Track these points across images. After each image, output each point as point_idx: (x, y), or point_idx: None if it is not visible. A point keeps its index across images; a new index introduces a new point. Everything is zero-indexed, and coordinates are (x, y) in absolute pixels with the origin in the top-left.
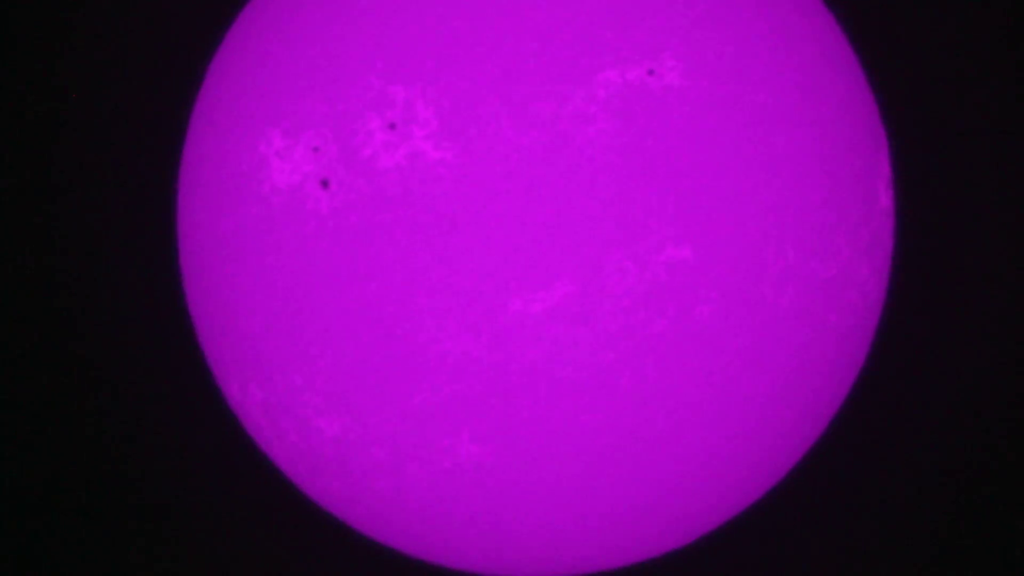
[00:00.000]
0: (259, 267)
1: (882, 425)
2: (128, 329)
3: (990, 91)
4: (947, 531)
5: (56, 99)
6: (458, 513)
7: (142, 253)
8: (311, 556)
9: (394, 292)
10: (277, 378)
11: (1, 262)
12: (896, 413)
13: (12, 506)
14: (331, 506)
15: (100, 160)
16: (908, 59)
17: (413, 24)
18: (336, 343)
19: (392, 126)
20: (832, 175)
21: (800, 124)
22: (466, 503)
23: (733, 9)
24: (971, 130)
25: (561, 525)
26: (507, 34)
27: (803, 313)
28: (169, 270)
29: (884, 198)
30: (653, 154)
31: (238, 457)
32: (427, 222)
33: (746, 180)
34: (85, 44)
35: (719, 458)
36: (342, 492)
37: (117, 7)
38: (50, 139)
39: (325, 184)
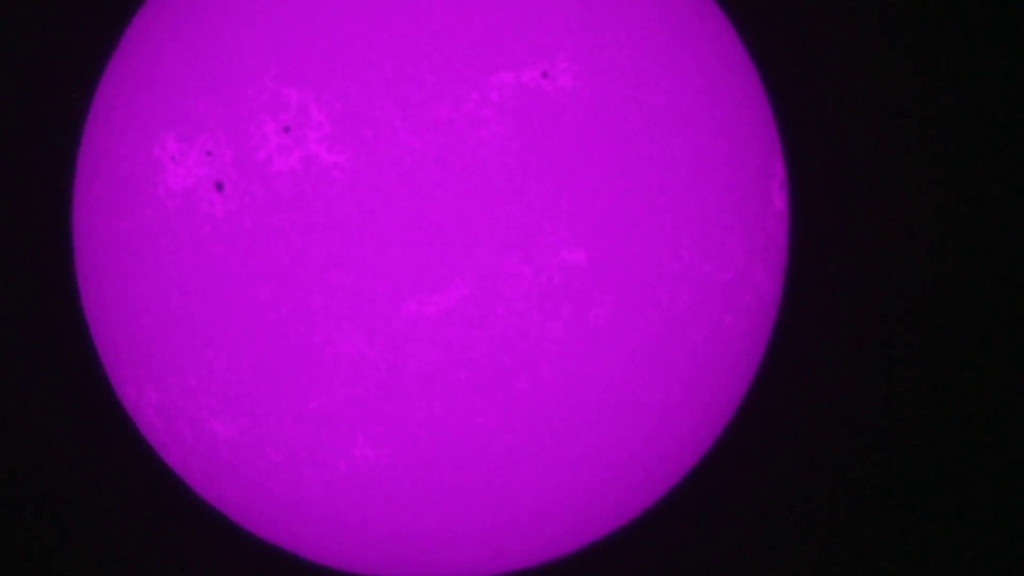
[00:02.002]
0: (154, 269)
1: (777, 425)
2: (22, 330)
3: (882, 92)
4: (840, 532)
5: None
6: (354, 516)
7: (37, 254)
8: (206, 559)
9: (288, 295)
10: (172, 380)
11: None
12: (791, 414)
13: None
14: (226, 509)
15: None
16: (800, 61)
17: (307, 26)
18: (231, 345)
19: (286, 129)
20: (727, 177)
21: (695, 126)
22: (362, 506)
23: (627, 11)
24: (863, 132)
25: (458, 528)
26: (401, 36)
27: (699, 315)
28: (64, 272)
29: (778, 200)
30: (547, 157)
31: (133, 460)
32: (322, 225)
33: (641, 182)
34: None
35: (616, 460)
36: (237, 495)
37: (10, 6)
38: None
39: (219, 187)
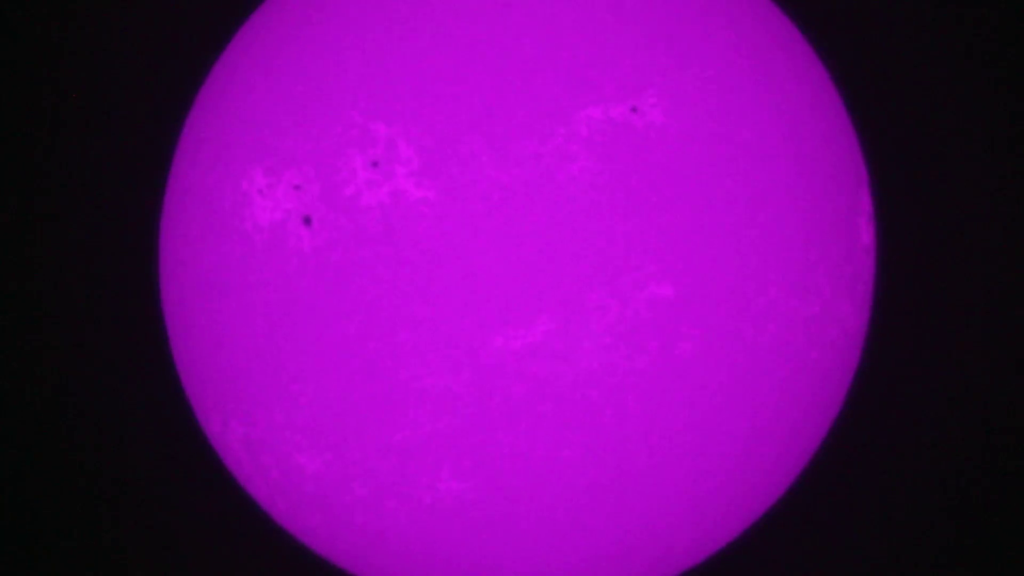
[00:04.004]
0: (241, 304)
1: (863, 461)
2: (108, 361)
3: (971, 127)
4: (931, 566)
5: (39, 128)
6: (438, 549)
7: (123, 286)
8: None
9: (375, 329)
10: (258, 414)
11: None
12: (877, 449)
13: None
14: (311, 542)
15: (83, 193)
16: (887, 96)
17: (395, 61)
18: (317, 380)
19: (374, 164)
20: (814, 212)
21: (782, 161)
22: (446, 539)
23: (715, 47)
24: (950, 166)
25: (542, 561)
26: (489, 71)
27: (785, 350)
28: (151, 306)
29: (865, 235)
30: (635, 191)
31: (219, 493)
32: (409, 260)
33: (728, 217)
34: (70, 76)
35: (701, 495)
36: (322, 528)
37: (101, 41)
38: (34, 171)
39: (307, 222)
